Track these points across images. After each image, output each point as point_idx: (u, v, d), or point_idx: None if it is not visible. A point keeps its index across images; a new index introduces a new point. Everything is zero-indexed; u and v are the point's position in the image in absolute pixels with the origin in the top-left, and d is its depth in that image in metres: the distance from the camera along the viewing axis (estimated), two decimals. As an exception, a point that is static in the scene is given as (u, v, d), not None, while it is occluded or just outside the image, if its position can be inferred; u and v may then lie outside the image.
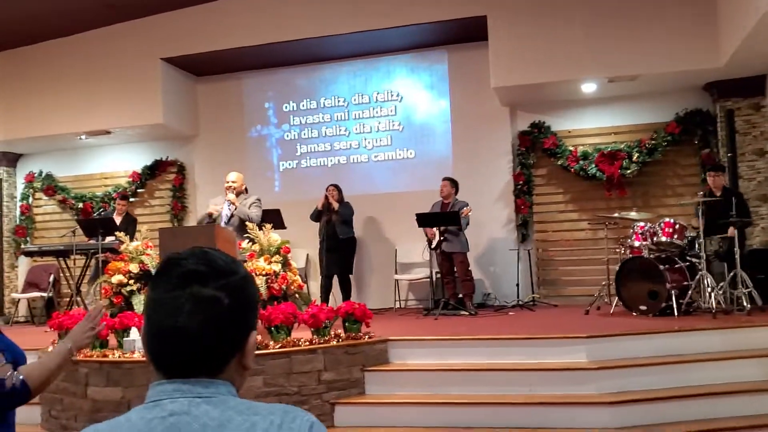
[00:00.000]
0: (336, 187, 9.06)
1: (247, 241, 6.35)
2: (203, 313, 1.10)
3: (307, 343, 5.27)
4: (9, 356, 2.23)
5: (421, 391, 5.32)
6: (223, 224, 6.80)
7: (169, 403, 1.08)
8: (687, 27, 8.13)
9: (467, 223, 8.26)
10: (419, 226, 8.15)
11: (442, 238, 8.17)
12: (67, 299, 9.95)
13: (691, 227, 7.27)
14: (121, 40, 10.08)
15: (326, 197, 8.84)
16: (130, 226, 8.83)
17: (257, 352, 5.02)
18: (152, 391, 1.11)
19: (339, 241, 8.77)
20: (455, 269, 8.36)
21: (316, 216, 8.92)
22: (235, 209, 6.84)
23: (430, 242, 8.29)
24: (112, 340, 5.55)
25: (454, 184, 8.54)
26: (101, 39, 10.18)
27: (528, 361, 5.40)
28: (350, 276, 9.07)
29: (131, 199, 10.74)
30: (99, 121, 10.16)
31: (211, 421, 1.06)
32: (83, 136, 10.54)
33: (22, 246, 10.80)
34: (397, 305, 9.55)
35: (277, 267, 6.03)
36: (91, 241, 8.70)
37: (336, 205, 8.81)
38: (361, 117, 10.30)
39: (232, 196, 6.91)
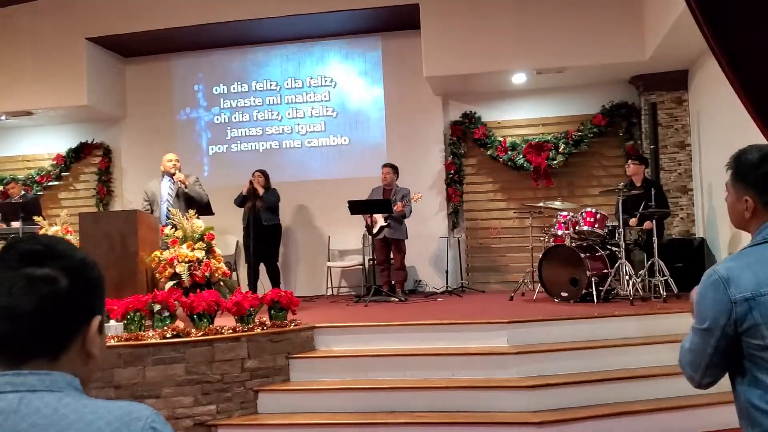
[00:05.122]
0: (263, 173, 8.84)
1: (169, 227, 6.23)
2: (36, 293, 1.07)
3: (231, 330, 5.22)
4: None
5: (346, 377, 5.33)
6: (169, 205, 6.78)
7: None
8: (613, 21, 8.32)
9: (410, 211, 8.27)
10: (351, 214, 8.10)
11: (385, 224, 8.15)
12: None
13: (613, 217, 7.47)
14: (45, 17, 9.69)
15: (251, 183, 8.65)
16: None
17: (179, 339, 4.98)
18: None
19: (263, 228, 8.58)
20: (392, 256, 8.38)
21: (240, 201, 8.70)
22: (185, 187, 6.88)
23: (370, 228, 8.18)
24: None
25: (395, 170, 8.55)
26: (24, 15, 9.76)
27: (451, 346, 5.47)
28: (277, 264, 8.93)
29: (55, 183, 10.58)
30: (21, 101, 9.77)
31: (41, 420, 1.02)
32: (4, 117, 10.14)
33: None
34: (329, 292, 9.54)
35: (200, 254, 5.94)
36: (14, 225, 8.46)
37: (261, 191, 8.59)
38: (294, 102, 10.18)
39: (181, 175, 6.93)
